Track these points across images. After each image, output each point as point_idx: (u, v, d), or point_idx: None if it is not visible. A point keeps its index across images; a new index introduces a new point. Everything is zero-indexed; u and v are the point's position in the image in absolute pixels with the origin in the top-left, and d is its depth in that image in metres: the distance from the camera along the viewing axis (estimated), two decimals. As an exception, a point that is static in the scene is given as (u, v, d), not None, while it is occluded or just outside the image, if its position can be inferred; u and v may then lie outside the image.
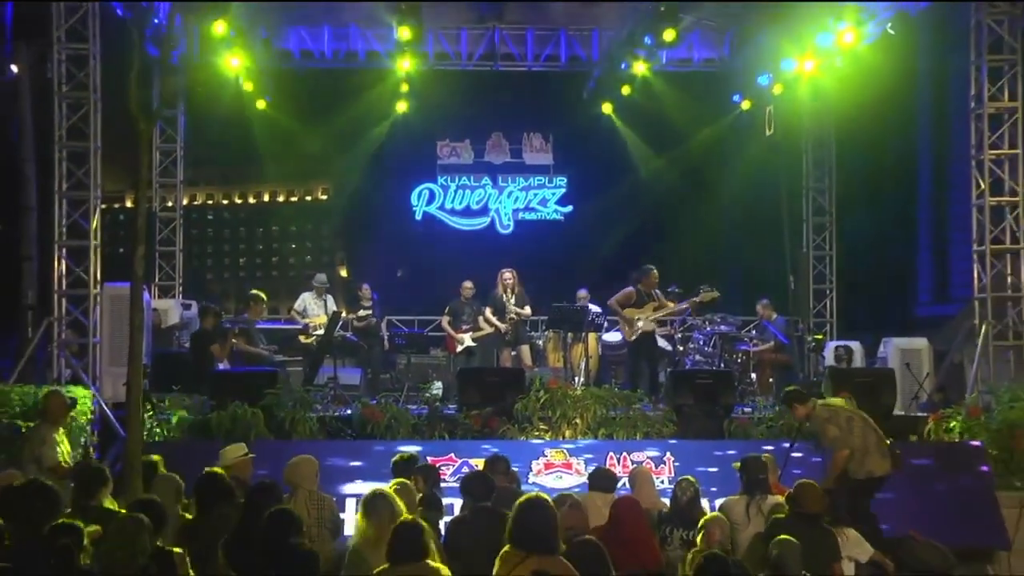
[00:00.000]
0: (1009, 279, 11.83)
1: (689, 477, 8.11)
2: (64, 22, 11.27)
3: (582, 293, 13.73)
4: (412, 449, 9.33)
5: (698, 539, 6.89)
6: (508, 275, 13.62)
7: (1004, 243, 11.88)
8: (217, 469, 7.52)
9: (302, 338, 13.68)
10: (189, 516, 7.12)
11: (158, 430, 10.25)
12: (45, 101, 11.97)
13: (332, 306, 13.84)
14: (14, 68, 12.10)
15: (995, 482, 9.96)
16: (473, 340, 13.47)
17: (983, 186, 11.99)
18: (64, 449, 8.97)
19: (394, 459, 8.39)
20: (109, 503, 6.98)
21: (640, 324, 12.69)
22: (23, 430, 9.52)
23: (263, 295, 14.28)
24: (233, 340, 12.71)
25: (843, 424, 8.63)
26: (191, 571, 6.02)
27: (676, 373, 12.12)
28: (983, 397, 11.07)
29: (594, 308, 13.47)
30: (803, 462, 9.33)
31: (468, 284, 13.90)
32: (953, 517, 9.62)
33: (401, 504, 6.36)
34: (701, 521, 7.19)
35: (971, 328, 12.00)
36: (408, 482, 7.39)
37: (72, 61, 11.36)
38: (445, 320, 13.86)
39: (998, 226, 11.90)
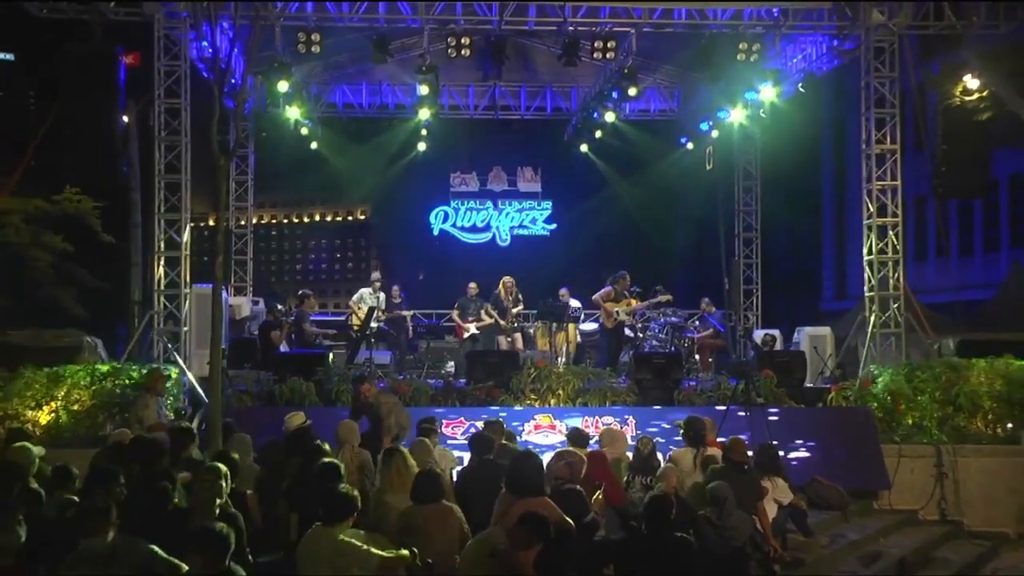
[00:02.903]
0: (891, 282, 11.88)
1: (648, 436, 8.14)
2: (163, 83, 11.33)
3: (563, 291, 13.70)
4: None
5: (658, 485, 6.87)
6: (509, 281, 13.60)
7: (887, 254, 11.94)
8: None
9: (354, 321, 13.57)
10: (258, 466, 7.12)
11: (234, 399, 10.25)
12: (147, 144, 11.98)
13: (382, 303, 13.75)
14: (125, 119, 12.11)
15: (879, 438, 9.98)
16: (477, 329, 13.43)
17: (871, 209, 12.05)
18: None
19: (420, 420, 8.27)
20: (196, 455, 7.02)
21: (619, 316, 12.75)
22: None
23: (313, 294, 14.30)
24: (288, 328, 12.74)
25: (400, 406, 8.67)
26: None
27: (637, 355, 12.09)
28: (871, 373, 11.11)
29: (574, 303, 13.48)
30: (735, 422, 9.35)
31: (473, 285, 13.84)
32: (848, 465, 9.65)
33: (412, 459, 6.32)
34: (659, 470, 7.21)
35: (863, 320, 12.05)
36: (426, 440, 7.35)
37: (168, 113, 11.39)
38: (455, 313, 13.79)
39: (883, 240, 11.97)
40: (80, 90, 10.79)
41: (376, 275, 14.50)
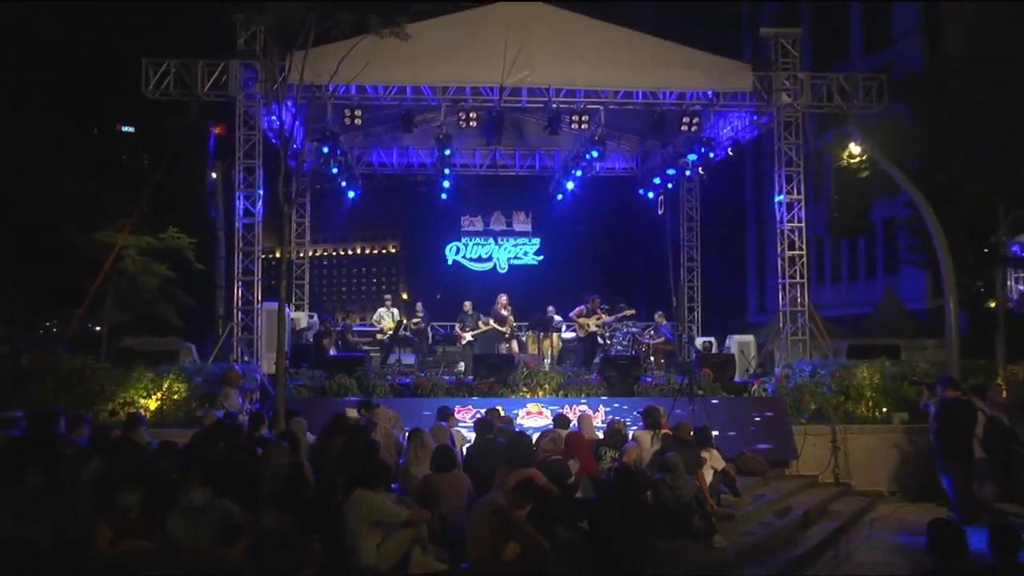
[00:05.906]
0: (799, 300, 11.96)
1: (620, 419, 8.11)
2: (242, 148, 11.44)
3: (550, 309, 13.72)
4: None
5: (623, 458, 6.86)
6: (504, 298, 13.61)
7: (796, 278, 12.04)
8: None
9: (379, 336, 13.69)
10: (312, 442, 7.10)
11: (294, 392, 10.23)
12: (230, 194, 12.05)
13: (397, 316, 13.78)
14: (214, 175, 12.23)
15: (790, 420, 10.01)
16: (471, 337, 13.28)
17: (783, 245, 12.15)
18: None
19: (438, 408, 8.29)
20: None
21: (590, 327, 12.79)
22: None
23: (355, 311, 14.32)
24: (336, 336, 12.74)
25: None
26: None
27: (605, 357, 12.07)
28: (784, 370, 11.15)
29: (557, 317, 13.51)
30: (682, 408, 9.36)
31: (468, 304, 13.69)
32: (767, 440, 9.67)
33: (427, 439, 6.36)
34: (624, 446, 7.20)
35: (778, 329, 12.11)
36: (443, 423, 7.33)
37: (246, 171, 11.49)
38: (457, 325, 13.77)
39: (792, 268, 12.07)
40: (180, 154, 10.95)
41: (388, 297, 14.59)
